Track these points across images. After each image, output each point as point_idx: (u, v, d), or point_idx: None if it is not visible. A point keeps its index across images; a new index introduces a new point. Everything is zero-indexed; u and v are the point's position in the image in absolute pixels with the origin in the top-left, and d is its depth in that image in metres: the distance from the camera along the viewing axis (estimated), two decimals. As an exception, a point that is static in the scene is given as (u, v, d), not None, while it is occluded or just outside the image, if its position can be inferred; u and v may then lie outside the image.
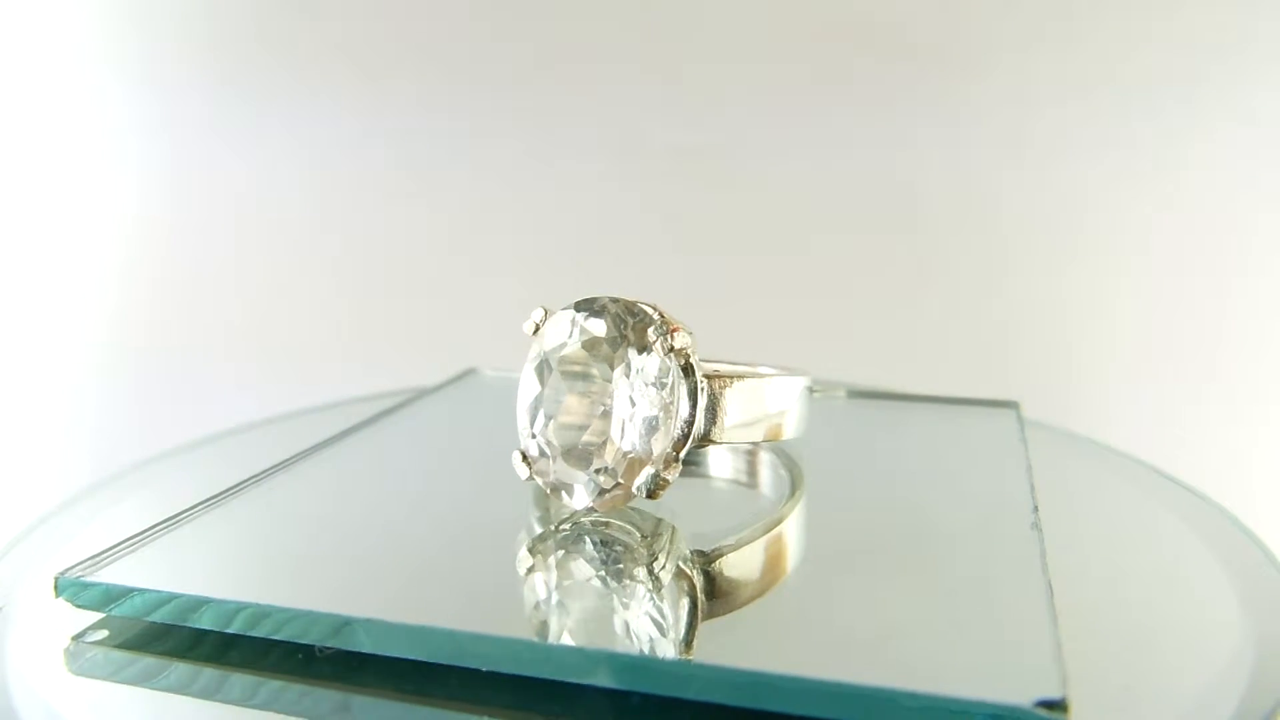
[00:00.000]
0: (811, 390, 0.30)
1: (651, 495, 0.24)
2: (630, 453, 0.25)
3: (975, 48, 0.53)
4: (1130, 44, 0.51)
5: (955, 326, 0.55)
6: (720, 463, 0.32)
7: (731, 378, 0.26)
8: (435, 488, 0.31)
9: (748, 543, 0.26)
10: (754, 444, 0.32)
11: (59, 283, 0.59)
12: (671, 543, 0.25)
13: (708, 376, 0.26)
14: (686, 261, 0.57)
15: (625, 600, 0.22)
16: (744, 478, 0.32)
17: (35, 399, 0.59)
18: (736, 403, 0.26)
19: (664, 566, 0.24)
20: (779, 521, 0.28)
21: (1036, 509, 0.25)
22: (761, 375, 0.28)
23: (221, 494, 0.28)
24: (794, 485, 0.30)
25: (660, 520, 0.26)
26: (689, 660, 0.20)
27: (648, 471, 0.24)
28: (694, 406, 0.25)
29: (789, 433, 0.29)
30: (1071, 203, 0.53)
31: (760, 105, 0.55)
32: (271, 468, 0.30)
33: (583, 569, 0.24)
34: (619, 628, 0.21)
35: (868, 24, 0.54)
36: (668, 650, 0.20)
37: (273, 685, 0.21)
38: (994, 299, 0.55)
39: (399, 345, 0.58)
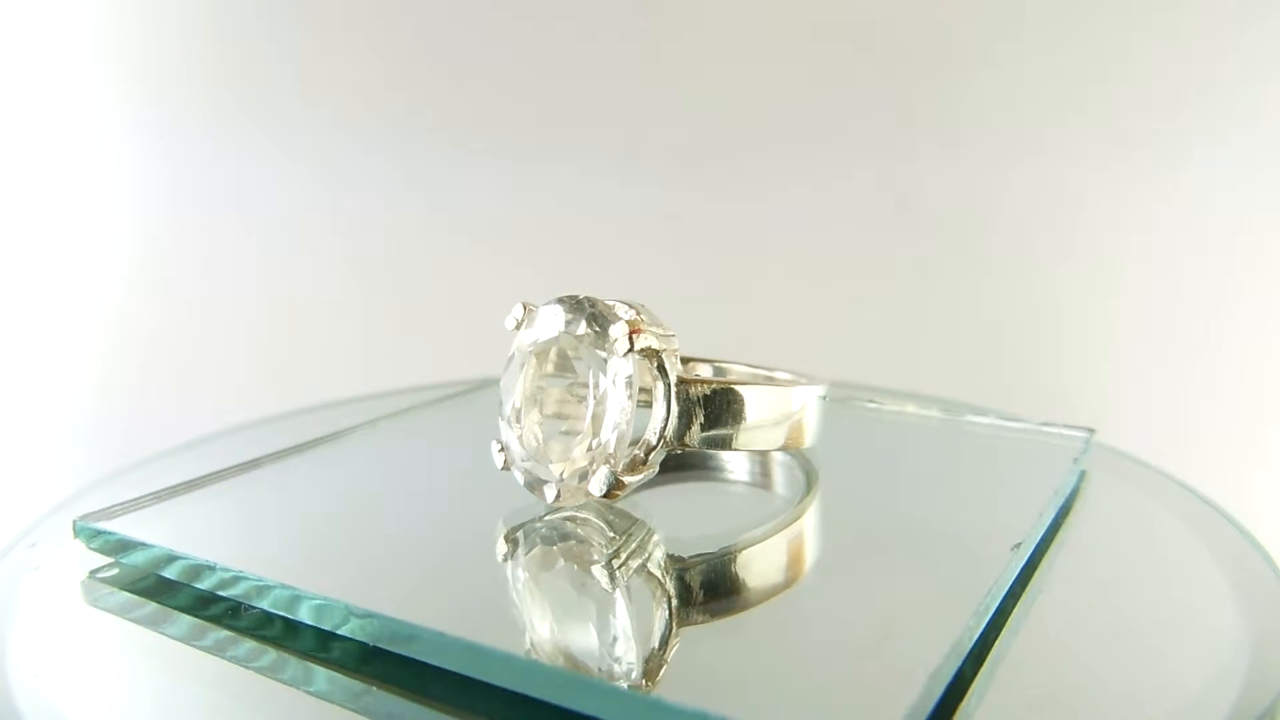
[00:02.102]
0: (824, 398, 0.29)
1: (608, 496, 0.24)
2: (594, 452, 0.24)
3: (974, 49, 0.53)
4: (1129, 44, 0.51)
5: (956, 327, 0.55)
6: (741, 467, 0.31)
7: (711, 383, 0.25)
8: (462, 477, 0.31)
9: (728, 554, 0.26)
10: (758, 452, 0.31)
11: (62, 285, 0.59)
12: (640, 546, 0.25)
13: (685, 381, 0.25)
14: (687, 262, 0.57)
15: (561, 601, 0.22)
16: (761, 483, 0.31)
17: (38, 400, 0.59)
18: (719, 408, 0.25)
19: (622, 566, 0.24)
20: (769, 535, 0.27)
21: (1019, 545, 0.23)
22: (753, 383, 0.27)
23: (261, 458, 0.30)
24: (803, 497, 0.29)
25: (635, 522, 0.26)
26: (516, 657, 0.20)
27: (604, 471, 0.24)
28: (667, 410, 0.25)
29: (801, 442, 0.28)
30: (1071, 202, 0.53)
31: (760, 107, 0.56)
32: (313, 440, 0.32)
33: (534, 567, 0.24)
34: (545, 629, 0.21)
35: (867, 25, 0.53)
36: (583, 657, 0.20)
37: (271, 654, 0.22)
38: (993, 299, 0.55)
39: (402, 348, 0.59)
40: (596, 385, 0.24)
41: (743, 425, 0.26)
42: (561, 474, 0.25)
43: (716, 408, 0.25)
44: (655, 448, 0.25)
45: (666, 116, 0.56)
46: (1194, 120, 0.50)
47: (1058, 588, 0.24)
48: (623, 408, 0.24)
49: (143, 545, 0.24)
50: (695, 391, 0.25)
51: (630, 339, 0.24)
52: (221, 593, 0.23)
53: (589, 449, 0.25)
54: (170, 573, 0.24)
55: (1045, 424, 0.33)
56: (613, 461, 0.24)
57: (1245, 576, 0.25)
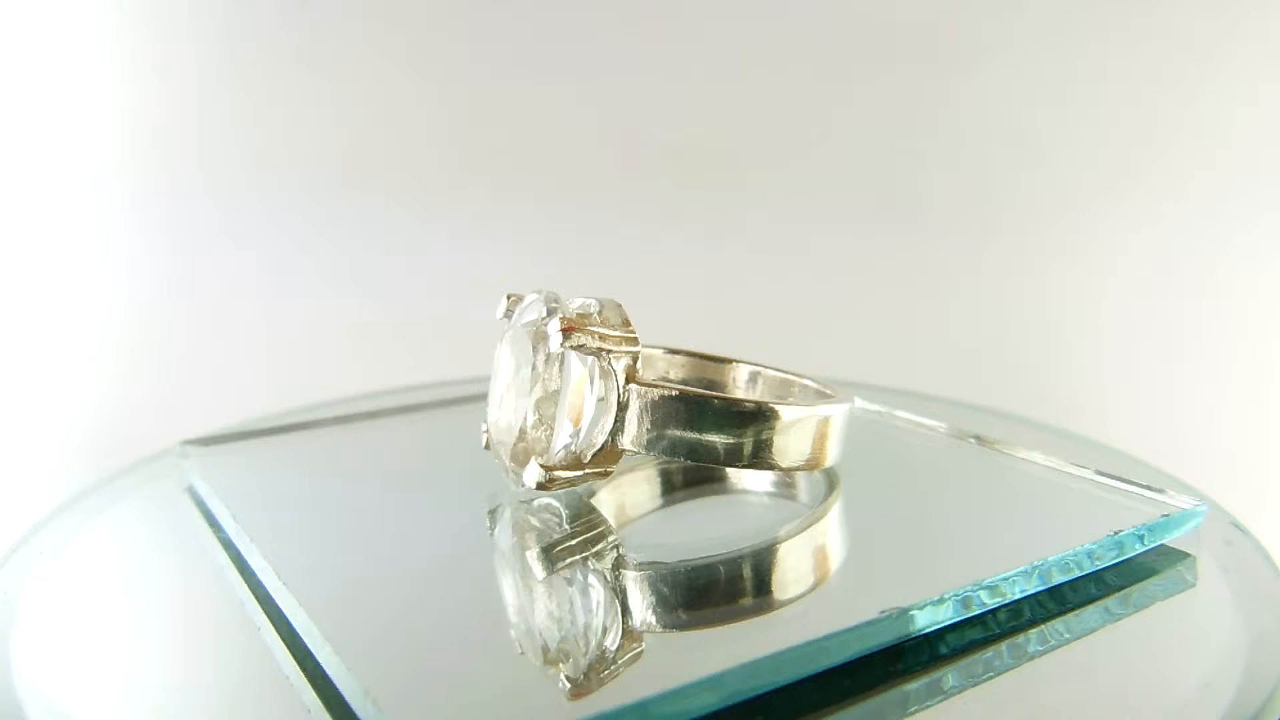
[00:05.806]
0: (830, 418, 0.27)
1: (543, 488, 0.25)
2: (536, 444, 0.25)
3: (974, 48, 0.53)
4: (1128, 42, 0.52)
5: (956, 327, 0.56)
6: (775, 482, 0.30)
7: (661, 387, 0.25)
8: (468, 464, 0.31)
9: (680, 565, 0.25)
10: (769, 468, 0.29)
11: (64, 290, 0.58)
12: (585, 543, 0.25)
13: (642, 384, 0.25)
14: (686, 262, 0.57)
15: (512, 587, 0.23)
16: (788, 495, 0.29)
17: (39, 401, 0.59)
18: (669, 415, 0.25)
19: (558, 553, 0.24)
20: (758, 548, 0.26)
21: (888, 611, 0.20)
22: (714, 393, 0.26)
23: (347, 416, 0.34)
24: (813, 516, 0.27)
25: (594, 519, 0.26)
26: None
27: (533, 465, 0.24)
28: (615, 411, 0.25)
29: (823, 461, 0.26)
30: (1071, 203, 0.54)
31: (758, 106, 0.56)
32: (391, 408, 0.36)
33: (494, 550, 0.25)
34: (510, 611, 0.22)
35: (867, 24, 0.53)
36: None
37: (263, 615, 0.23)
38: (993, 299, 0.55)
39: (405, 352, 0.59)
40: (543, 379, 0.25)
41: (698, 433, 0.25)
42: (510, 460, 0.26)
43: (665, 413, 0.25)
44: (599, 448, 0.25)
45: (666, 118, 0.56)
46: (1195, 120, 0.50)
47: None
48: (568, 403, 0.25)
49: (199, 480, 0.29)
50: (647, 395, 0.25)
51: (567, 335, 0.24)
52: (233, 545, 0.26)
53: (531, 438, 0.25)
54: (212, 521, 0.28)
55: (1152, 488, 0.28)
56: (545, 455, 0.25)
57: (1244, 576, 0.25)
